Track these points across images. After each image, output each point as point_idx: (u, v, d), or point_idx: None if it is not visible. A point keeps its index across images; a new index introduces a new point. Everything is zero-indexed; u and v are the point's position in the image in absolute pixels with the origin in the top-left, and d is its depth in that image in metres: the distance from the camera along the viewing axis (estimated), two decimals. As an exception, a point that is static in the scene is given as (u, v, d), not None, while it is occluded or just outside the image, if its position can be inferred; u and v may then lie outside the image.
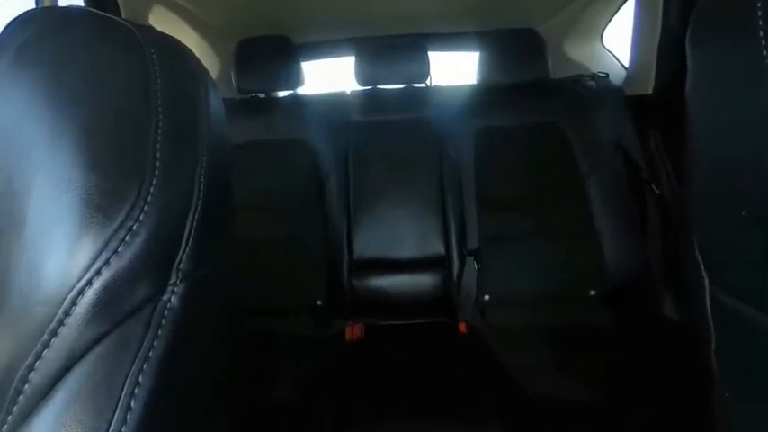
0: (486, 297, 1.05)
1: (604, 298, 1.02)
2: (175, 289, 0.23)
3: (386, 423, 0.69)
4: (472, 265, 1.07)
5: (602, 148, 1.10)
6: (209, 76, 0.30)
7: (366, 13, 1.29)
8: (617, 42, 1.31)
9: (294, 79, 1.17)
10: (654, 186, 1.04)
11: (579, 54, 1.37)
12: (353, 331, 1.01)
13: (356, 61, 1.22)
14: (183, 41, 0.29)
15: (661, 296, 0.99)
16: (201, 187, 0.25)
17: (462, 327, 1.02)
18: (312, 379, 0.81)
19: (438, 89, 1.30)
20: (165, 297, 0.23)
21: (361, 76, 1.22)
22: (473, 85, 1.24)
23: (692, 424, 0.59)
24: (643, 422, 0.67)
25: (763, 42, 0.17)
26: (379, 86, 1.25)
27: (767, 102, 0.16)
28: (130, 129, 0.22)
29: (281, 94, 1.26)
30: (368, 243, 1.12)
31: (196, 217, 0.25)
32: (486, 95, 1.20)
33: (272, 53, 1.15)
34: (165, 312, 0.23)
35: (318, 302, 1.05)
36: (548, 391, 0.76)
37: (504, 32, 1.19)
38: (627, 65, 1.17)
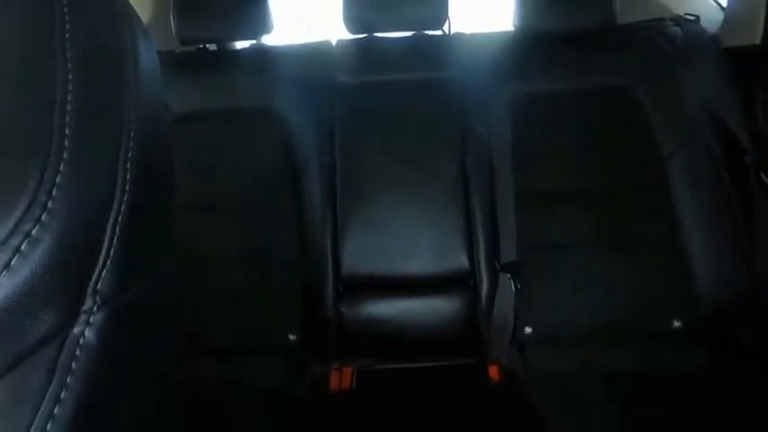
0: (528, 330, 1.01)
1: (694, 331, 1.00)
2: (91, 318, 0.22)
3: None
4: (508, 284, 1.03)
5: (692, 121, 1.07)
6: (139, 20, 0.28)
7: None
8: None
9: (258, 24, 1.09)
10: (763, 175, 1.00)
11: None
12: (341, 378, 0.97)
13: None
14: None
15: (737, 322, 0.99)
16: (128, 175, 0.23)
17: (493, 371, 1.01)
18: None
19: (460, 38, 1.24)
20: (76, 330, 0.21)
21: (352, 20, 1.14)
22: (509, 33, 1.20)
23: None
24: None
25: None
26: (376, 34, 1.19)
27: None
28: (27, 92, 0.20)
29: (240, 44, 1.20)
30: (361, 255, 1.07)
31: (120, 216, 0.23)
32: (527, 48, 1.16)
33: None
34: (77, 352, 0.21)
35: (291, 338, 0.99)
36: None
37: None
38: (725, 4, 1.16)
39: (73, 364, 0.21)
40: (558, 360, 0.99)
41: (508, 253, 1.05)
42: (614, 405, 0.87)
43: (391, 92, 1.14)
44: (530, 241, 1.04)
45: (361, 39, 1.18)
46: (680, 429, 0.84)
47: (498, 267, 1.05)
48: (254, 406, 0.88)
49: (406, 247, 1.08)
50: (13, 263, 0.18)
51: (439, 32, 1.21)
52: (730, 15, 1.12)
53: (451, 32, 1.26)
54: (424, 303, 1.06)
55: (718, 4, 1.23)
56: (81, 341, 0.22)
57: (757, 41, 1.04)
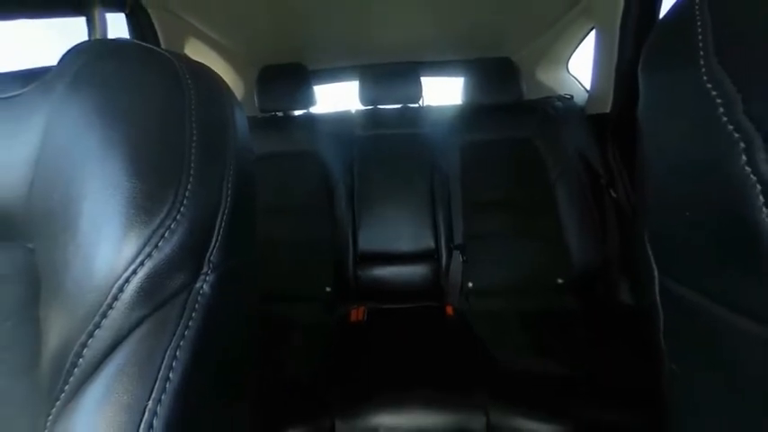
0: (470, 285, 1.05)
1: (570, 286, 1.02)
2: (207, 278, 0.23)
3: (384, 393, 0.68)
4: (458, 257, 1.06)
5: (568, 159, 1.09)
6: (236, 98, 0.30)
7: (368, 43, 1.29)
8: (580, 69, 1.31)
9: (307, 100, 1.16)
10: (612, 191, 1.03)
11: (548, 79, 1.36)
12: (357, 314, 0.99)
13: (360, 85, 1.22)
14: (213, 68, 0.29)
15: (618, 284, 0.99)
16: (229, 192, 0.25)
17: (449, 310, 1.01)
18: (320, 358, 0.80)
19: (429, 109, 1.29)
20: (197, 285, 0.22)
21: (364, 98, 1.22)
22: (459, 106, 1.23)
23: (646, 392, 0.59)
24: (604, 391, 0.67)
25: (704, 70, 0.17)
26: (379, 106, 1.24)
27: (707, 123, 0.16)
28: (169, 143, 0.22)
29: (297, 112, 1.25)
30: (371, 239, 1.12)
31: (225, 217, 0.24)
32: (470, 114, 1.19)
33: (289, 78, 1.15)
34: (198, 298, 0.22)
35: (328, 290, 1.04)
36: (522, 365, 0.76)
37: (485, 61, 1.19)
38: (588, 88, 1.15)
39: (196, 306, 0.22)
40: (490, 303, 1.01)
41: (458, 238, 1.08)
42: (524, 330, 0.90)
43: (388, 141, 1.19)
44: (470, 231, 1.08)
45: (369, 109, 1.25)
46: (561, 342, 0.84)
47: (452, 247, 1.08)
48: (303, 333, 0.90)
49: (397, 235, 1.11)
50: (159, 244, 0.20)
51: (417, 105, 1.25)
52: (591, 94, 1.14)
53: (424, 105, 1.30)
54: (408, 269, 1.10)
55: (584, 88, 1.25)
56: (201, 292, 0.22)
57: (608, 111, 1.06)
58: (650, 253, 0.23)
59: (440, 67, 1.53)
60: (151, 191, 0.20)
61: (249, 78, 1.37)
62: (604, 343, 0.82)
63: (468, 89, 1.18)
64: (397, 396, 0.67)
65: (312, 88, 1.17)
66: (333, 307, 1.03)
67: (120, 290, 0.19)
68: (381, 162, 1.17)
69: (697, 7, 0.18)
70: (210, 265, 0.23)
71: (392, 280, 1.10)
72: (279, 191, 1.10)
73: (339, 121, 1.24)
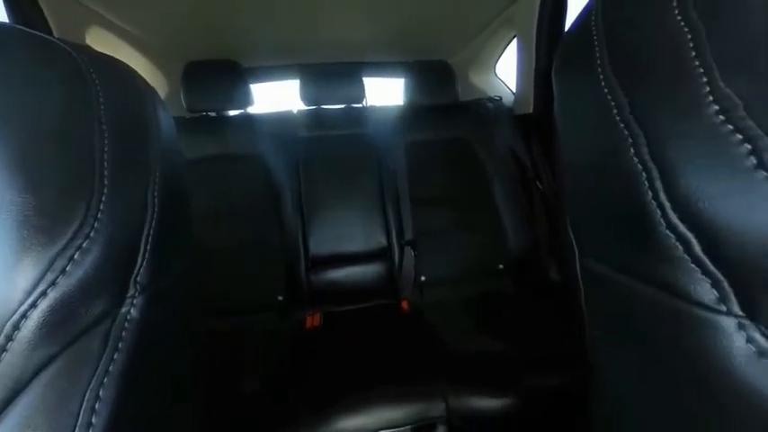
0: (423, 278, 1.07)
1: (509, 270, 1.10)
2: (134, 301, 0.21)
3: (345, 396, 0.67)
4: (410, 253, 1.08)
5: (501, 156, 1.18)
6: (157, 95, 0.26)
7: (308, 42, 1.25)
8: (508, 72, 1.41)
9: (244, 99, 1.08)
10: (538, 183, 1.13)
11: (480, 82, 1.45)
12: (313, 320, 0.96)
13: (301, 84, 1.18)
14: (126, 62, 0.25)
15: (547, 265, 1.08)
16: (156, 201, 0.22)
17: (404, 305, 1.03)
18: (278, 368, 0.78)
19: (373, 109, 1.29)
20: (123, 310, 0.20)
21: (306, 97, 1.18)
22: (401, 106, 1.25)
23: (573, 357, 0.69)
24: (543, 360, 0.74)
25: (602, 77, 0.20)
26: (322, 106, 1.21)
27: (605, 123, 0.19)
28: (72, 149, 0.19)
29: (232, 112, 1.16)
30: (322, 242, 1.09)
31: (152, 230, 0.22)
32: (412, 115, 1.22)
33: (221, 75, 1.06)
34: (126, 325, 0.20)
35: (280, 298, 1.00)
36: (473, 347, 0.81)
37: (423, 63, 1.22)
38: (514, 90, 1.25)
39: (123, 334, 0.20)
40: (441, 294, 1.04)
41: (409, 234, 1.10)
42: (471, 315, 0.95)
43: (334, 142, 1.16)
44: (420, 227, 1.10)
45: (312, 109, 1.21)
46: (503, 321, 0.90)
47: (403, 243, 1.10)
48: (257, 345, 0.86)
49: (348, 236, 1.09)
50: (68, 268, 0.17)
51: (360, 105, 1.24)
52: (516, 97, 1.22)
53: (368, 105, 1.29)
54: (362, 268, 1.09)
55: (511, 90, 1.34)
56: (128, 317, 0.20)
57: (531, 111, 1.14)
58: (571, 236, 0.25)
59: (381, 67, 1.54)
60: (50, 207, 0.17)
61: (174, 75, 1.24)
62: (539, 317, 0.90)
63: (408, 90, 1.21)
64: (359, 397, 0.67)
65: (248, 87, 1.09)
66: (287, 315, 0.99)
67: (16, 327, 0.16)
68: (328, 163, 1.14)
69: (593, 22, 0.20)
70: (138, 287, 0.21)
71: (346, 281, 1.08)
72: (219, 197, 1.01)
73: (281, 122, 1.18)
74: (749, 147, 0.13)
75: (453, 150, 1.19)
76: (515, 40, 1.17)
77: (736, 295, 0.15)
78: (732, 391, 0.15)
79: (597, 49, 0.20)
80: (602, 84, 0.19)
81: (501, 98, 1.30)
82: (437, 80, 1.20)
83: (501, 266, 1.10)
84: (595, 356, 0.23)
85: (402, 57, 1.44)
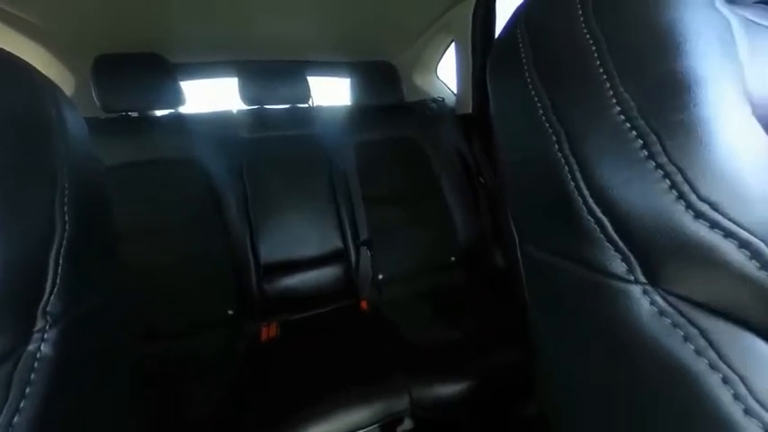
0: (380, 277, 1.08)
1: (460, 261, 1.15)
2: (45, 335, 0.18)
3: (309, 404, 0.65)
4: (366, 253, 1.09)
5: (447, 154, 1.23)
6: (61, 92, 0.23)
7: (245, 38, 1.17)
8: (450, 74, 1.47)
9: (173, 98, 0.97)
10: (481, 178, 1.20)
11: (423, 83, 1.50)
12: (269, 331, 0.92)
13: (240, 83, 1.11)
14: (21, 57, 0.21)
15: (493, 254, 1.15)
16: (66, 216, 0.20)
17: (364, 304, 1.03)
18: (234, 388, 0.73)
19: (320, 109, 1.26)
20: (31, 347, 0.17)
21: (247, 97, 1.11)
22: (348, 106, 1.25)
23: (518, 335, 0.74)
24: (492, 342, 0.79)
25: (528, 81, 0.22)
26: (265, 106, 1.15)
27: (533, 122, 0.21)
28: None
29: (161, 112, 1.04)
30: (273, 248, 1.04)
31: (63, 251, 0.19)
32: (359, 115, 1.22)
33: (142, 71, 0.94)
34: (35, 364, 0.17)
35: (230, 312, 0.93)
36: (430, 339, 0.83)
37: (368, 64, 1.23)
38: (455, 91, 1.31)
39: (32, 376, 0.17)
40: (399, 290, 1.06)
41: (363, 234, 1.10)
42: (428, 307, 0.97)
43: (280, 143, 1.12)
44: (374, 226, 1.11)
45: (254, 109, 1.15)
46: (456, 311, 0.94)
47: (359, 244, 1.10)
48: (208, 366, 0.80)
49: (302, 240, 1.06)
50: None
51: (306, 105, 1.21)
52: (457, 98, 1.27)
53: (314, 105, 1.27)
54: (318, 273, 1.06)
55: (452, 92, 1.40)
56: (38, 355, 0.18)
57: (470, 111, 1.21)
58: (513, 225, 0.28)
59: (326, 67, 1.51)
60: None
61: (83, 71, 1.08)
62: (489, 303, 0.95)
63: (355, 90, 1.21)
64: (323, 404, 0.66)
65: (178, 84, 0.99)
66: (239, 329, 0.93)
67: None
68: (275, 165, 1.10)
69: (518, 32, 0.23)
70: (49, 318, 0.18)
71: (302, 287, 1.05)
72: (150, 207, 0.91)
73: (220, 123, 1.10)
74: (641, 142, 0.16)
75: (402, 149, 1.21)
76: (454, 43, 1.23)
77: (640, 266, 0.17)
78: (642, 346, 0.17)
79: (523, 55, 0.22)
80: (530, 87, 0.21)
81: (444, 99, 1.35)
82: (382, 81, 1.21)
83: (453, 259, 1.15)
84: (537, 333, 0.25)
85: (347, 57, 1.43)
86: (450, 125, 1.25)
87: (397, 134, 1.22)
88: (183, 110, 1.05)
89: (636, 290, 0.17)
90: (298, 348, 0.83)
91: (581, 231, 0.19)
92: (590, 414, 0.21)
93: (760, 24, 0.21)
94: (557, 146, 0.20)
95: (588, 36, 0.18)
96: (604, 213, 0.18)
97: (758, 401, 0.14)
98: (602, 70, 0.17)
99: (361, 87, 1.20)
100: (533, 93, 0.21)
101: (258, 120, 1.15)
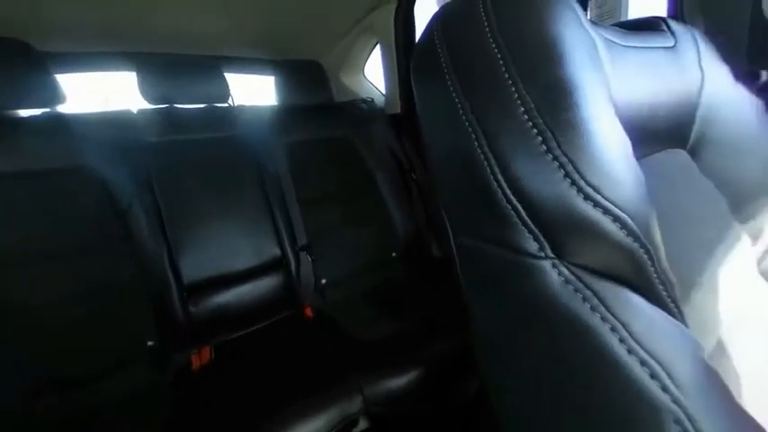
0: (323, 281, 1.06)
1: (401, 256, 1.18)
2: None
3: (260, 424, 0.61)
4: (306, 258, 1.05)
5: (380, 152, 1.26)
6: None
7: (144, 27, 1.03)
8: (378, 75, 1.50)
9: (46, 95, 0.80)
10: (413, 175, 1.26)
11: (352, 83, 1.50)
12: (201, 358, 0.83)
13: (139, 78, 0.96)
14: None
15: (429, 245, 1.21)
16: None
17: (308, 311, 1.00)
18: (166, 426, 0.65)
19: (243, 109, 1.17)
20: None
21: (149, 94, 0.97)
22: (276, 106, 1.19)
23: (459, 320, 0.79)
24: (434, 330, 0.83)
25: (449, 83, 0.24)
26: (176, 105, 1.02)
27: (454, 122, 0.23)
28: None
29: (30, 112, 0.86)
30: (198, 265, 0.93)
31: None
32: (288, 115, 1.18)
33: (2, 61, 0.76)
34: None
35: (150, 343, 0.81)
36: (377, 335, 0.84)
37: (295, 62, 1.19)
38: (384, 92, 1.34)
39: None
40: (343, 292, 1.05)
41: (302, 239, 1.06)
42: (374, 305, 0.98)
43: (196, 147, 1.01)
44: (312, 229, 1.07)
45: (162, 108, 1.01)
46: (399, 305, 0.95)
47: (298, 249, 1.06)
48: (127, 411, 0.70)
49: (232, 252, 0.98)
50: None
51: (226, 105, 1.11)
52: (386, 98, 1.31)
53: (235, 105, 1.18)
54: (254, 285, 0.99)
55: (381, 92, 1.43)
56: None
57: (399, 111, 1.26)
58: (445, 217, 0.30)
59: (248, 64, 1.42)
60: None
61: None
62: (430, 293, 0.99)
63: (281, 89, 1.16)
64: (273, 422, 0.62)
65: (53, 78, 0.81)
66: (163, 362, 0.83)
67: None
68: (191, 172, 0.98)
69: (436, 38, 0.24)
70: None
71: (237, 304, 0.96)
72: (28, 228, 0.75)
73: (115, 124, 0.95)
74: (541, 138, 0.19)
75: (335, 149, 1.20)
76: (379, 45, 1.26)
77: (549, 244, 0.21)
78: (555, 311, 0.20)
79: (442, 60, 0.23)
80: (451, 90, 0.23)
81: (373, 99, 1.38)
82: (309, 80, 1.18)
83: (394, 254, 1.18)
84: (473, 316, 0.28)
85: (271, 54, 1.36)
86: (381, 125, 1.29)
87: (330, 134, 1.21)
88: (64, 109, 0.87)
89: (547, 264, 0.21)
90: (237, 370, 0.77)
91: (501, 218, 0.22)
92: (523, 383, 0.24)
93: (617, 43, 0.27)
94: (476, 143, 0.22)
95: (495, 48, 0.20)
96: (519, 201, 0.21)
97: (636, 341, 0.18)
98: (507, 76, 0.20)
99: (287, 86, 1.16)
100: (454, 95, 0.23)
101: (167, 121, 1.01)
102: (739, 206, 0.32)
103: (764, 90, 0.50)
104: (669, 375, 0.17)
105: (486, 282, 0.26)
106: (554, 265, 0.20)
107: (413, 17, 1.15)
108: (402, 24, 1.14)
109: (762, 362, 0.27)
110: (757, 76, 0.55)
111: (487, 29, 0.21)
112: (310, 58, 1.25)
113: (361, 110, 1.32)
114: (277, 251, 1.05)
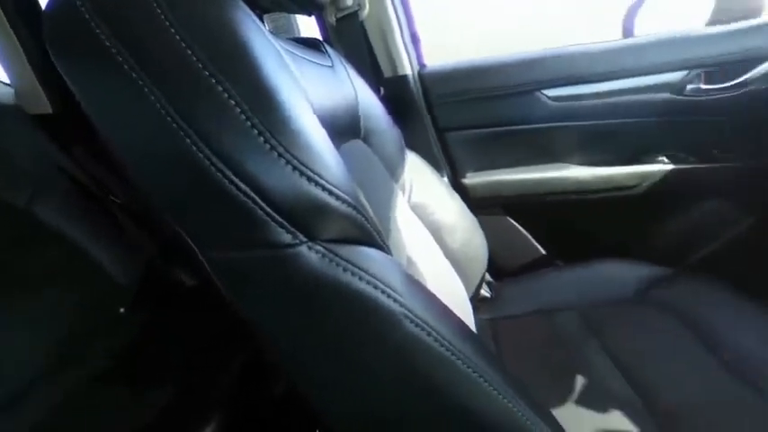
0: None
1: (136, 299, 0.93)
2: None
3: None
4: None
5: (40, 179, 0.88)
6: None
7: None
8: None
9: None
10: (113, 197, 0.94)
11: None
12: None
13: None
14: None
15: (177, 277, 1.02)
16: None
17: None
18: None
19: None
20: None
21: None
22: None
23: (246, 333, 0.75)
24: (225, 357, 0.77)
25: (126, 66, 0.19)
26: None
27: (158, 124, 0.19)
28: None
29: None
30: None
31: None
32: None
33: None
34: None
35: None
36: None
37: None
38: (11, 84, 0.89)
39: None
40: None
41: None
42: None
43: None
44: None
45: None
46: (165, 358, 0.88)
47: None
48: None
49: None
50: None
51: None
52: (20, 94, 0.89)
53: None
54: None
55: (3, 83, 0.95)
56: None
57: (50, 111, 0.88)
58: (186, 236, 0.25)
59: None
60: None
61: None
62: (197, 324, 0.91)
63: None
64: None
65: None
66: None
67: None
68: None
69: (81, 5, 0.18)
70: None
71: None
72: None
73: None
74: (263, 138, 0.20)
75: None
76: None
77: (299, 230, 0.23)
78: (326, 288, 0.24)
79: (103, 38, 0.18)
80: (133, 76, 0.19)
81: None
82: None
83: (122, 310, 0.92)
84: (257, 325, 0.27)
85: None
86: (24, 134, 0.89)
87: None
88: None
89: (303, 249, 0.23)
90: None
91: (250, 220, 0.22)
92: (321, 369, 0.26)
93: (297, 54, 0.32)
94: (194, 146, 0.19)
95: (183, 43, 0.18)
96: (262, 199, 0.21)
97: (377, 279, 0.25)
98: (207, 73, 0.19)
99: None
100: (141, 83, 0.19)
101: None
102: (393, 172, 0.50)
103: (383, 98, 0.81)
104: (394, 290, 0.25)
105: (254, 288, 0.25)
106: (309, 248, 0.23)
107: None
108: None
109: (431, 263, 0.45)
110: (378, 88, 0.88)
111: (161, 15, 0.18)
112: None
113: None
114: None
